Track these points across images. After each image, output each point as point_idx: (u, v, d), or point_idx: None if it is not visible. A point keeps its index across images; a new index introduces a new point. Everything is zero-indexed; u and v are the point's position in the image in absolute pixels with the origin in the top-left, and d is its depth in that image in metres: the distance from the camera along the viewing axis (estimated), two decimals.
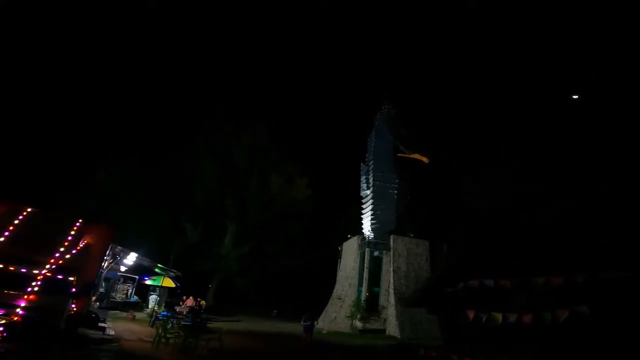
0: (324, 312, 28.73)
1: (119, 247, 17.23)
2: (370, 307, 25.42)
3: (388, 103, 33.67)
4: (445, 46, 58.64)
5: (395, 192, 29.64)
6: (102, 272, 14.74)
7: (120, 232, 26.56)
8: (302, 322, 16.53)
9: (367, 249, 26.76)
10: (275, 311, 35.94)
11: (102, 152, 33.74)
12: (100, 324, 12.50)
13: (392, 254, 26.51)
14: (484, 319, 9.75)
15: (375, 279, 26.43)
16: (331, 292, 30.25)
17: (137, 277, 24.74)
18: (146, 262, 22.29)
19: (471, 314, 10.00)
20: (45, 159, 33.68)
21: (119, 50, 44.50)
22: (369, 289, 25.96)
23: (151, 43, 49.09)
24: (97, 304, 21.21)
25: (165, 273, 22.02)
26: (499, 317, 9.49)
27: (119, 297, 23.35)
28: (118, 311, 21.77)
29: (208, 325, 20.32)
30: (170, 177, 32.79)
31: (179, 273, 21.94)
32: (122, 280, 23.94)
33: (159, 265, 22.05)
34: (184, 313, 19.83)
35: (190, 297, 24.59)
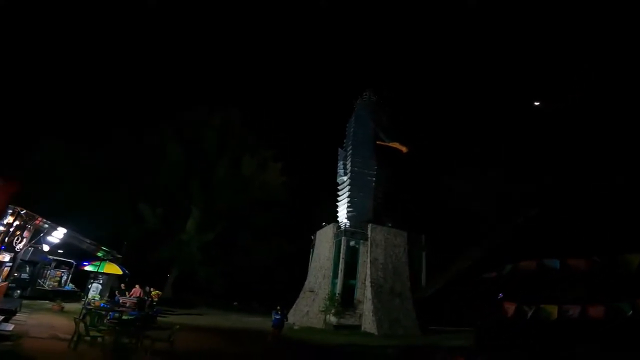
0: (294, 306, 25.49)
1: (43, 220, 13.09)
2: (345, 301, 22.52)
3: (370, 90, 31.29)
4: (433, 40, 56.67)
5: (374, 179, 27.03)
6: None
7: (67, 212, 22.19)
8: (272, 316, 13.62)
9: (343, 237, 23.81)
10: (236, 303, 32.35)
11: (48, 128, 28.73)
12: None
13: (369, 244, 23.76)
14: (529, 313, 7.02)
15: (351, 270, 23.55)
16: (302, 285, 27.10)
17: (73, 262, 20.31)
18: (85, 244, 17.99)
19: (511, 308, 7.24)
20: None
21: (79, 20, 38.61)
22: (345, 282, 23.06)
23: (117, 16, 43.40)
24: (18, 291, 16.82)
25: (104, 256, 17.87)
26: (554, 310, 6.78)
27: (48, 284, 18.71)
28: (48, 301, 17.45)
29: (159, 318, 16.68)
30: (128, 157, 28.38)
31: (119, 255, 17.89)
32: (53, 265, 19.35)
33: (102, 247, 17.92)
34: (127, 304, 15.94)
35: (137, 286, 20.42)
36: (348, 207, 26.01)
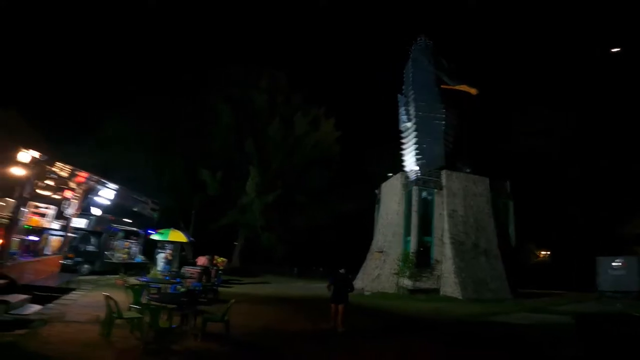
0: (362, 269, 22.89)
1: (91, 176, 11.18)
2: (420, 261, 19.24)
3: (424, 34, 26.68)
4: None
5: (443, 123, 22.67)
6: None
7: (133, 185, 21.09)
8: (329, 284, 9.13)
9: (414, 188, 20.12)
10: (296, 269, 30.90)
11: (106, 103, 27.74)
12: (5, 297, 6.58)
13: (445, 194, 19.90)
14: None
15: (425, 226, 20.04)
16: (368, 245, 24.27)
17: (141, 231, 19.23)
18: (147, 209, 16.28)
19: None
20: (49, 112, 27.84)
21: None
22: (419, 239, 19.67)
23: None
24: (87, 266, 15.75)
25: (158, 217, 16.15)
26: None
27: (117, 257, 17.69)
28: (118, 276, 16.29)
29: (223, 289, 14.99)
30: (185, 126, 26.78)
31: (157, 206, 15.87)
32: (121, 235, 18.27)
33: (154, 205, 16.10)
34: (189, 274, 14.21)
35: (206, 257, 18.70)
36: (416, 154, 22.12)
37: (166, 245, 19.13)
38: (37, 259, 9.67)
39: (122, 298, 9.72)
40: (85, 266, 15.40)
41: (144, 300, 8.12)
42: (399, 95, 25.20)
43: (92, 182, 11.89)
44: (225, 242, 31.11)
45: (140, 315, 6.83)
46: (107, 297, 6.64)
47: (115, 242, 17.87)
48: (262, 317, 10.06)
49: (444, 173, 20.37)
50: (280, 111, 28.21)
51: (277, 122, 27.20)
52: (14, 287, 7.03)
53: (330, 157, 28.75)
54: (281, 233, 28.99)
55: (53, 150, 9.34)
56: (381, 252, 22.08)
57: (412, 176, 21.05)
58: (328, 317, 9.03)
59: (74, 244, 15.14)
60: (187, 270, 15.53)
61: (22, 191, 7.89)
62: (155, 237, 18.46)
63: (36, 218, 10.59)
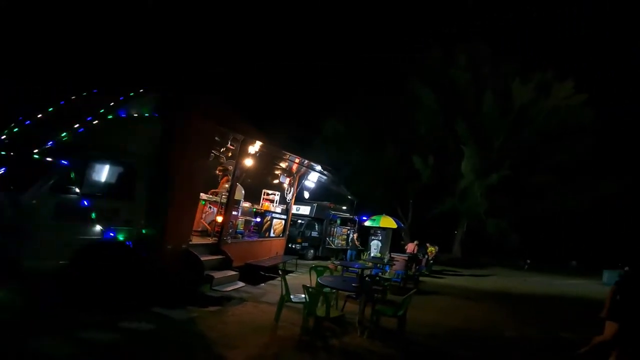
0: None
1: (303, 160, 12.00)
2: None
3: None
4: None
5: None
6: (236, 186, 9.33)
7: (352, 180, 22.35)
8: (611, 291, 5.14)
9: None
10: (528, 262, 25.31)
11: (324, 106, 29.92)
12: (212, 273, 7.37)
13: None
14: None
15: None
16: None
17: (356, 217, 19.90)
18: (326, 180, 15.94)
19: None
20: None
21: None
22: None
23: None
24: (312, 251, 17.33)
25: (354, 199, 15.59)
26: None
27: (336, 243, 18.80)
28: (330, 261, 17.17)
29: (429, 278, 13.20)
30: (392, 117, 26.41)
31: (330, 171, 14.71)
32: (339, 222, 19.35)
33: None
34: (394, 260, 13.12)
35: (414, 243, 17.10)
36: None
37: (378, 231, 18.95)
38: (261, 239, 10.96)
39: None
40: (311, 251, 16.93)
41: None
42: None
43: (304, 168, 12.73)
44: (445, 229, 28.38)
45: (306, 301, 6.28)
46: (282, 277, 6.44)
47: (334, 229, 19.03)
48: (461, 316, 7.67)
49: None
50: (490, 84, 23.33)
51: (489, 96, 22.59)
52: (227, 263, 8.06)
53: (577, 126, 21.38)
54: (513, 219, 23.66)
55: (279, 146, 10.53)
56: None
57: None
58: (568, 323, 5.66)
59: (302, 229, 17.02)
60: (393, 256, 14.67)
61: (234, 173, 8.98)
62: (367, 223, 18.63)
63: (267, 204, 12.09)
